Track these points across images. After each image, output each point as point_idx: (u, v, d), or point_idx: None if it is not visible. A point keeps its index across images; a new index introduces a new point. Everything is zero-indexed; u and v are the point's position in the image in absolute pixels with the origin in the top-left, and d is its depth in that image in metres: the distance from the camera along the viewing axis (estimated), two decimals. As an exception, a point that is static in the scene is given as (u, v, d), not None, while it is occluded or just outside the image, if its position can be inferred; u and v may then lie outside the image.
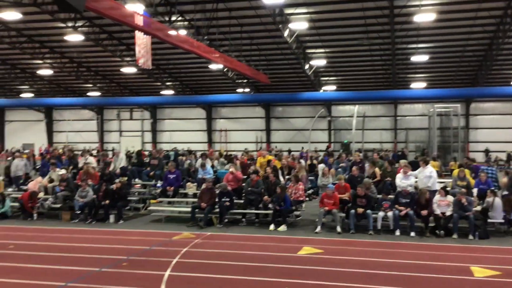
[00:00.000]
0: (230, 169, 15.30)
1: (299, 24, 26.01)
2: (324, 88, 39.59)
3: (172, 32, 22.07)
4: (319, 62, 33.63)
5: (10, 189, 17.20)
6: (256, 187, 14.14)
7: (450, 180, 14.75)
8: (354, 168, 14.92)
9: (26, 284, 7.96)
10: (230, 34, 28.50)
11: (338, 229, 12.58)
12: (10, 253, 10.33)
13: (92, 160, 18.68)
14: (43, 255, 10.12)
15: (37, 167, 20.50)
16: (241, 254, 10.20)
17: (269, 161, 17.65)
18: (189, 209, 14.11)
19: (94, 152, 31.80)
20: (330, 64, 34.76)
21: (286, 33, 26.97)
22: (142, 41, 20.12)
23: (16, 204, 15.43)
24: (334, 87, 40.05)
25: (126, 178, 16.13)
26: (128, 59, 32.89)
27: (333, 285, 8.00)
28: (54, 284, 7.92)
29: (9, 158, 21.34)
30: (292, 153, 29.61)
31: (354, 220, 12.65)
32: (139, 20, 18.36)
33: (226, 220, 13.87)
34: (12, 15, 24.86)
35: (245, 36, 29.15)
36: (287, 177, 15.94)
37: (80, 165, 18.11)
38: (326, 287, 7.90)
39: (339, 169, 16.66)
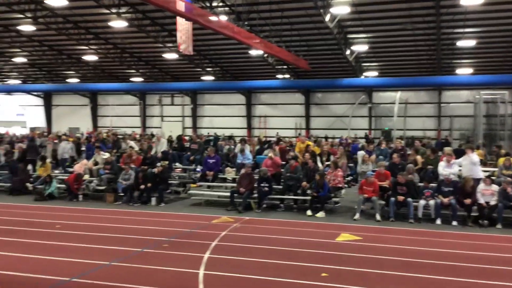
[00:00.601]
0: (269, 155, 15.36)
1: (341, 9, 25.56)
2: (365, 74, 38.94)
3: (213, 18, 22.17)
4: (361, 48, 33.03)
5: (56, 171, 17.87)
6: (295, 173, 14.16)
7: (495, 169, 14.33)
8: (395, 155, 14.69)
9: (73, 262, 8.30)
10: (271, 20, 28.35)
11: (378, 216, 12.47)
12: (57, 232, 10.77)
13: (134, 144, 19.14)
14: (88, 234, 10.50)
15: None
16: (279, 239, 10.28)
17: (307, 147, 17.58)
18: (228, 194, 14.29)
19: (137, 137, 32.53)
20: (372, 50, 34.08)
21: (327, 18, 26.59)
22: (183, 27, 20.36)
23: (63, 185, 16.03)
24: (375, 73, 39.30)
25: (167, 162, 16.45)
26: (170, 45, 33.28)
27: (371, 272, 7.97)
28: (99, 263, 8.23)
29: (56, 141, 22.14)
30: (330, 139, 29.39)
31: (394, 208, 12.50)
32: (181, 6, 18.52)
33: (264, 205, 13.99)
34: (59, 1, 25.53)
35: (285, 22, 28.93)
36: (326, 163, 15.85)
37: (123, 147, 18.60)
38: (364, 274, 7.88)
39: (380, 156, 16.42)
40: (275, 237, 10.40)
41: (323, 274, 7.74)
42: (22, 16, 29.63)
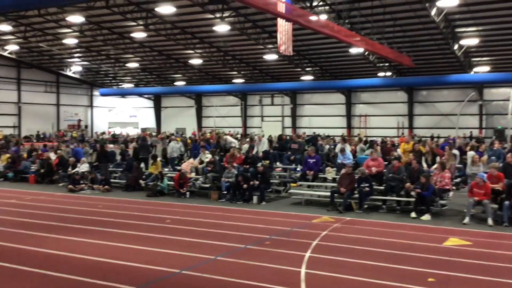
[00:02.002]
0: (371, 155, 15.05)
1: (448, 1, 24.30)
2: (475, 69, 36.57)
3: (313, 18, 22.17)
4: (470, 42, 31.11)
5: (166, 169, 18.97)
6: (398, 174, 13.74)
7: None
8: (509, 155, 13.66)
9: (182, 255, 8.80)
10: (372, 17, 27.71)
11: (490, 221, 11.69)
12: (167, 226, 11.46)
13: (231, 139, 19.72)
14: (195, 230, 11.04)
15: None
16: (382, 240, 10.05)
17: (414, 146, 16.92)
18: (328, 194, 14.24)
19: (238, 136, 33.53)
20: (483, 43, 31.94)
21: (433, 12, 25.41)
22: (283, 28, 20.59)
23: (172, 182, 16.99)
24: (487, 68, 36.76)
25: (268, 162, 16.76)
26: (270, 46, 33.85)
27: (482, 279, 7.53)
28: (206, 257, 8.64)
29: (167, 141, 23.53)
30: (435, 139, 28.00)
31: (509, 213, 11.65)
32: (282, 7, 18.76)
33: (366, 206, 13.74)
34: (168, 9, 27.11)
35: (388, 18, 28.12)
36: (434, 166, 15.13)
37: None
38: (475, 281, 7.47)
39: (493, 157, 15.37)
40: (377, 239, 10.19)
41: (430, 279, 7.46)
42: (134, 24, 31.87)
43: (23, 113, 50.03)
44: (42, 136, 47.87)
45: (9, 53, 44.47)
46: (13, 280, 7.36)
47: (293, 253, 8.92)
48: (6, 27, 34.35)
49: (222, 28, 30.79)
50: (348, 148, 17.13)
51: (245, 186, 14.98)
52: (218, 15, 28.31)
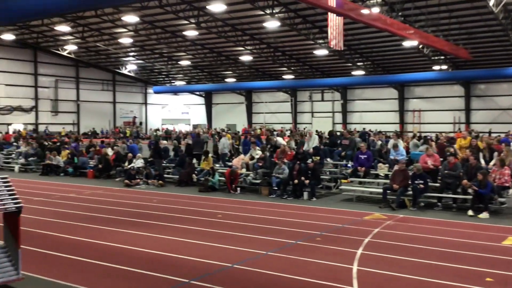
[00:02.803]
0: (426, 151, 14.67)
1: (508, -9, 23.27)
2: (537, 61, 34.82)
3: (365, 11, 21.81)
4: (532, 32, 29.60)
5: (217, 165, 19.25)
6: (454, 170, 13.32)
7: None
8: None
9: (234, 250, 8.94)
10: (427, 8, 26.91)
11: (553, 220, 11.14)
12: (219, 221, 11.66)
13: (281, 140, 19.74)
14: (246, 225, 11.18)
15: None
16: (437, 239, 9.80)
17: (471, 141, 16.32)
18: (380, 190, 14.01)
19: (288, 133, 33.50)
20: (546, 34, 30.35)
21: (491, 2, 24.37)
22: (334, 22, 20.41)
23: (223, 178, 17.24)
24: (550, 60, 34.91)
25: (318, 158, 16.68)
26: (320, 41, 33.58)
27: (545, 281, 7.21)
28: (257, 252, 8.74)
29: (217, 137, 23.87)
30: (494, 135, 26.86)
31: None
32: (333, 2, 18.58)
33: (420, 204, 13.42)
34: (219, 7, 27.44)
35: (443, 9, 27.21)
36: (493, 162, 14.55)
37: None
38: (536, 282, 7.16)
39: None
40: (431, 237, 9.94)
41: (488, 279, 7.21)
42: (187, 22, 32.48)
43: (82, 110, 52.11)
44: (97, 132, 49.74)
45: (68, 53, 46.45)
46: (76, 271, 7.73)
47: (344, 250, 8.86)
48: (65, 28, 35.90)
49: (272, 24, 30.83)
50: (401, 144, 16.76)
51: (296, 181, 14.97)
52: (268, 11, 28.37)
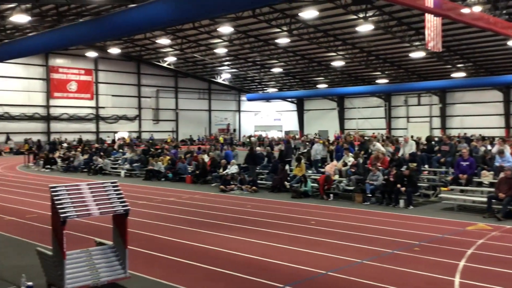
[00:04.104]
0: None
1: None
2: None
3: (465, 10, 20.72)
4: None
5: (309, 171, 19.25)
6: None
7: None
8: None
9: (328, 257, 8.90)
10: (535, 4, 24.97)
11: None
12: (312, 227, 11.64)
13: (380, 146, 19.26)
14: (340, 232, 11.07)
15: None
16: (550, 253, 9.03)
17: None
18: (484, 199, 13.19)
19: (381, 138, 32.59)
20: None
21: None
22: (432, 23, 19.62)
23: (315, 184, 17.19)
24: None
25: (415, 164, 16.08)
26: (416, 43, 32.42)
27: None
28: (352, 260, 8.62)
29: (307, 143, 23.87)
30: None
31: None
32: (430, 2, 17.85)
33: (530, 214, 12.43)
34: (311, 13, 27.52)
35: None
36: None
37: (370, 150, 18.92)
38: None
39: None
40: (544, 251, 9.18)
41: None
42: (279, 30, 32.95)
43: (180, 118, 54.69)
44: (194, 139, 51.91)
45: (168, 64, 49.12)
46: (178, 272, 8.15)
47: (445, 261, 8.46)
48: (165, 41, 38.08)
49: (365, 28, 30.30)
50: (507, 150, 15.65)
51: (400, 187, 14.44)
52: (361, 15, 27.93)
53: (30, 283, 6.88)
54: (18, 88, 42.63)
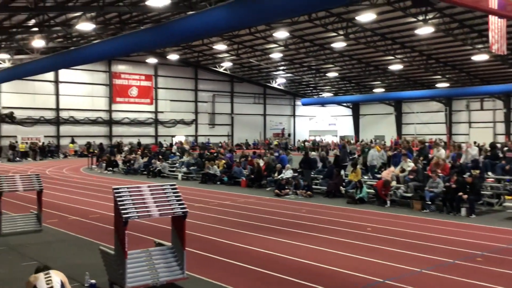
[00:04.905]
0: None
1: None
2: None
3: (533, 11, 19.69)
4: None
5: (366, 177, 18.93)
6: None
7: None
8: None
9: (385, 265, 8.72)
10: None
11: None
12: (368, 234, 11.44)
13: (442, 152, 18.66)
14: (397, 240, 10.81)
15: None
16: None
17: None
18: (554, 210, 12.48)
19: (442, 144, 31.55)
20: None
21: None
22: (496, 25, 18.82)
23: (371, 190, 16.89)
24: None
25: (478, 171, 15.45)
26: (479, 46, 31.22)
27: None
28: (410, 269, 8.40)
29: (366, 149, 23.49)
30: None
31: None
32: (494, 3, 17.09)
33: None
34: (368, 16, 27.12)
35: None
36: None
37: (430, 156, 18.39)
38: None
39: None
40: None
41: None
42: (335, 34, 32.68)
43: (235, 123, 55.34)
44: (249, 144, 52.36)
45: (224, 70, 49.87)
46: (234, 275, 8.25)
47: (510, 273, 8.08)
48: (222, 47, 38.70)
49: (425, 30, 29.46)
50: None
51: (460, 193, 13.94)
52: (421, 17, 27.21)
53: (93, 281, 7.19)
54: (83, 93, 44.67)
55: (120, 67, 46.89)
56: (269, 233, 11.38)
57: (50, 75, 41.16)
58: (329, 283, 7.59)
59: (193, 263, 8.26)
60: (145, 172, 26.76)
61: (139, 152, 32.14)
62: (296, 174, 19.65)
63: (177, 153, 31.72)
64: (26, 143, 41.01)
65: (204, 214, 14.09)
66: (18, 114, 40.64)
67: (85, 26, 26.92)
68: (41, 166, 32.55)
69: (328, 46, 37.04)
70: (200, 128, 52.61)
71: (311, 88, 58.08)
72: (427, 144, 24.69)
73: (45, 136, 42.68)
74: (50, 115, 43.00)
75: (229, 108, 54.96)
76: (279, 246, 10.12)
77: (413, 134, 46.41)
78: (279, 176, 19.73)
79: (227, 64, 47.96)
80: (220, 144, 43.87)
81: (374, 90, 51.58)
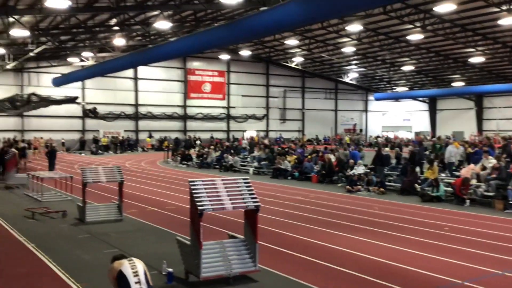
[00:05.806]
0: None
1: None
2: None
3: None
4: None
5: (443, 175, 18.18)
6: None
7: None
8: None
9: (463, 266, 8.38)
10: None
11: None
12: (446, 234, 11.00)
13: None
14: (477, 240, 10.33)
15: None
16: None
17: None
18: None
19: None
20: None
21: None
22: None
23: (449, 189, 16.20)
24: None
25: None
26: None
27: None
28: (491, 271, 8.01)
29: (437, 145, 22.59)
30: None
31: None
32: None
33: None
34: (447, 7, 25.94)
35: None
36: None
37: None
38: None
39: None
40: None
41: None
42: (411, 26, 31.58)
43: (306, 118, 55.13)
44: (320, 139, 51.99)
45: (295, 65, 49.79)
46: (305, 270, 8.28)
47: None
48: (293, 42, 38.63)
49: (509, 21, 27.70)
50: None
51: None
52: (504, 7, 25.63)
53: (170, 270, 7.50)
54: (159, 89, 46.46)
55: (194, 64, 48.20)
56: (341, 230, 11.27)
57: (129, 72, 43.10)
58: (404, 282, 7.41)
59: (264, 256, 8.36)
60: (217, 166, 27.37)
61: (212, 147, 32.92)
62: (368, 171, 19.27)
63: (247, 148, 32.14)
64: (108, 137, 43.38)
65: (276, 209, 14.20)
66: (100, 109, 43.10)
67: (162, 25, 27.90)
68: (121, 159, 34.23)
69: (403, 39, 35.83)
70: (271, 123, 52.95)
71: (384, 83, 56.55)
72: (511, 140, 23.29)
73: (125, 131, 44.87)
74: (129, 110, 45.14)
75: (300, 103, 54.82)
76: (352, 243, 10.00)
77: (495, 130, 43.91)
78: (351, 172, 19.44)
79: (298, 59, 47.83)
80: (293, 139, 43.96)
81: (453, 84, 49.29)
